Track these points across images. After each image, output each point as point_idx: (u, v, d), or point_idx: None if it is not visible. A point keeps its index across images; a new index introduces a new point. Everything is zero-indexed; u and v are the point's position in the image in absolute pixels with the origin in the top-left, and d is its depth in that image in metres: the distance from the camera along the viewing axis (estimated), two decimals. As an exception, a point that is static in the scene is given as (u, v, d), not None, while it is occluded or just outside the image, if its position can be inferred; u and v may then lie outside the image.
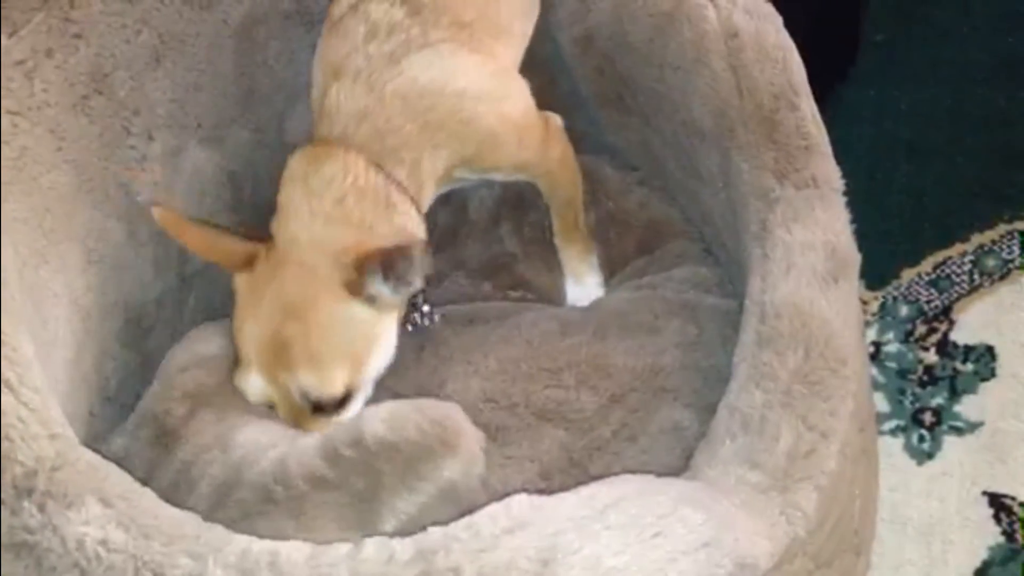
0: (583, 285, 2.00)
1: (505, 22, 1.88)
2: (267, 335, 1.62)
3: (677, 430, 1.72)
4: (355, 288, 1.61)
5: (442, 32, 1.77)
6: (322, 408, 1.62)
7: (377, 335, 1.66)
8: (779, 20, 1.82)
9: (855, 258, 1.66)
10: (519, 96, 1.87)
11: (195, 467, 1.56)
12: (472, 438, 1.46)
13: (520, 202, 2.07)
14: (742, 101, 1.76)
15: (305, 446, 1.47)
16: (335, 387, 1.61)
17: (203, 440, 1.59)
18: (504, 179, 2.00)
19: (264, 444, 1.53)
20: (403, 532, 1.38)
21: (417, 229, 1.76)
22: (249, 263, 1.68)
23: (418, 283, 1.64)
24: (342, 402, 1.63)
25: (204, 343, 1.74)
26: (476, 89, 1.80)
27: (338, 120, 1.73)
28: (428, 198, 1.81)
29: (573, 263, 2.00)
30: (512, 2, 1.92)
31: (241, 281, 1.69)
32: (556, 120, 1.98)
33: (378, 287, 1.62)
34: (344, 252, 1.62)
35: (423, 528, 1.35)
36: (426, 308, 1.90)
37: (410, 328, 1.85)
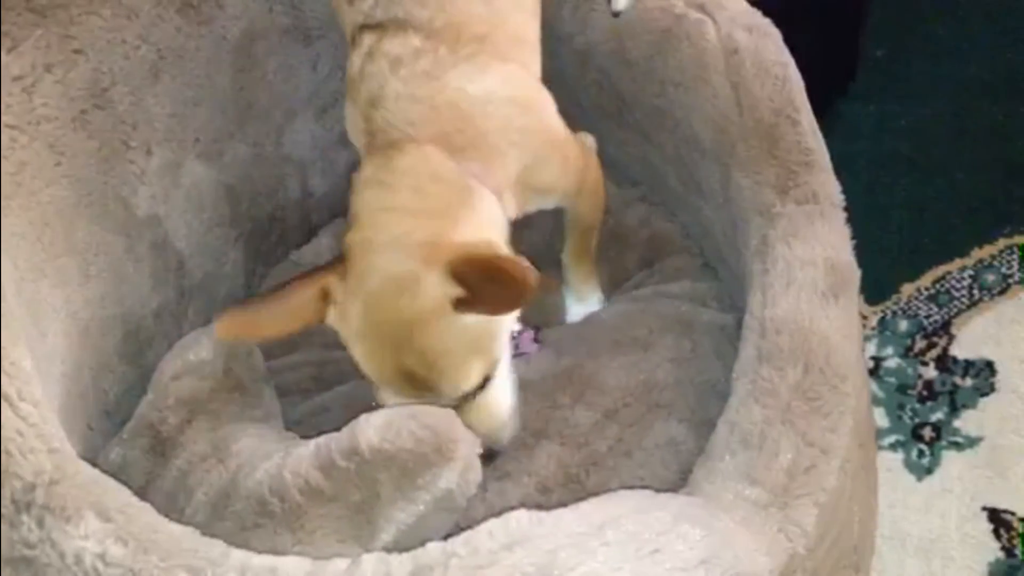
0: (585, 303, 1.99)
1: (520, 30, 1.81)
2: (389, 366, 1.54)
3: (672, 445, 1.72)
4: (462, 307, 1.51)
5: (468, 47, 1.70)
6: (463, 399, 1.57)
7: (498, 328, 1.59)
8: (778, 36, 1.82)
9: (855, 274, 1.66)
10: (553, 107, 1.81)
11: (192, 476, 1.56)
12: (468, 444, 1.44)
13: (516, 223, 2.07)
14: (742, 117, 1.76)
15: (300, 456, 1.46)
16: (471, 382, 1.56)
17: (199, 448, 1.60)
18: (551, 206, 1.89)
19: (260, 453, 1.53)
20: (401, 542, 1.39)
21: (498, 215, 1.68)
22: (325, 299, 1.57)
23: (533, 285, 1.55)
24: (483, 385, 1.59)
25: (195, 350, 1.73)
26: (522, 97, 1.75)
27: (392, 132, 1.65)
28: (511, 208, 1.73)
29: (578, 282, 1.98)
30: (516, 10, 1.83)
31: (334, 317, 1.58)
32: (589, 140, 1.95)
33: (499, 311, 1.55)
34: (431, 249, 1.53)
35: (421, 537, 1.36)
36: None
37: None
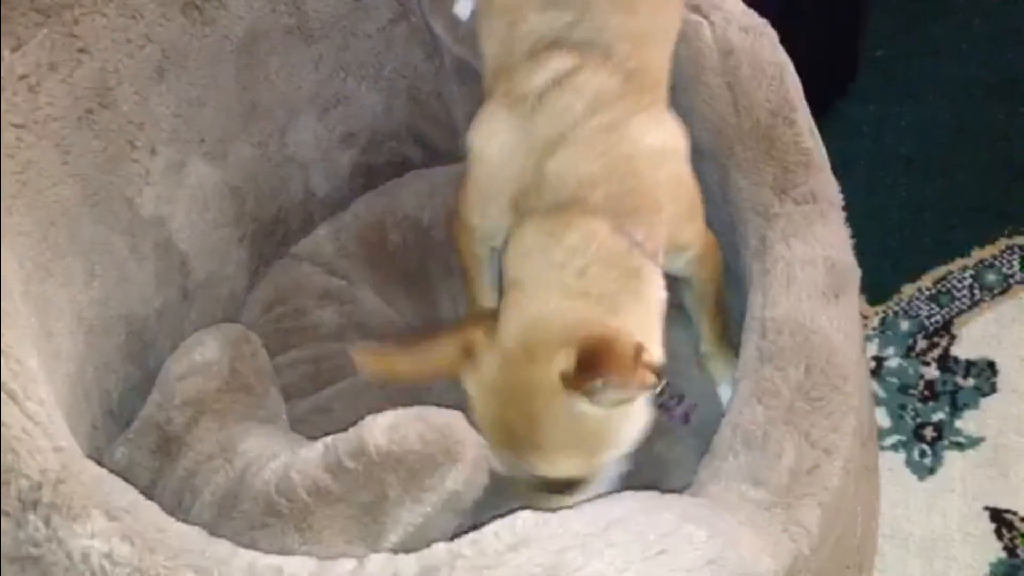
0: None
1: (668, 80, 1.78)
2: (498, 417, 1.51)
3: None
4: (575, 387, 1.45)
5: (650, 94, 1.68)
6: (553, 488, 1.51)
7: (608, 429, 1.51)
8: (774, 36, 1.83)
9: (855, 273, 1.66)
10: None
11: (198, 476, 1.57)
12: (475, 446, 1.45)
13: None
14: (739, 118, 1.76)
15: (307, 456, 1.46)
16: (556, 472, 1.50)
17: (206, 448, 1.60)
18: (678, 270, 1.79)
19: (267, 453, 1.53)
20: (407, 543, 1.40)
21: (662, 294, 1.61)
22: (467, 354, 1.55)
23: (646, 389, 1.48)
24: (574, 484, 1.52)
25: (201, 350, 1.73)
26: (681, 149, 1.71)
27: (563, 188, 1.59)
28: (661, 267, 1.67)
29: (724, 370, 1.83)
30: (671, 58, 1.80)
31: (468, 376, 1.55)
32: None
33: (600, 392, 1.45)
34: (572, 331, 1.48)
35: (427, 538, 1.36)
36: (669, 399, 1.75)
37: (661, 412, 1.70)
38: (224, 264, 2.01)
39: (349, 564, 1.26)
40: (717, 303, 1.82)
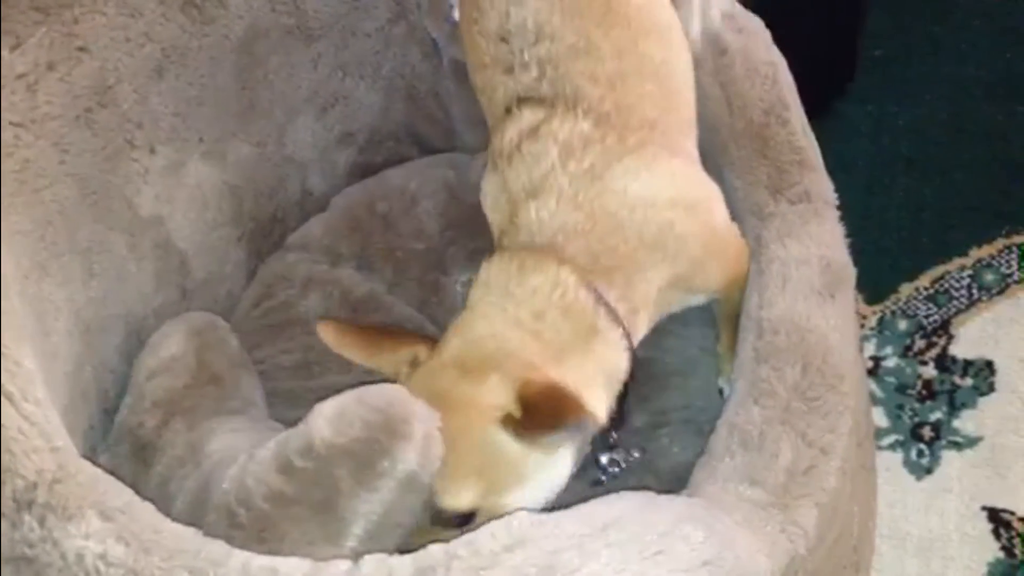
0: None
1: (685, 114, 1.75)
2: None
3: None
4: (510, 425, 1.45)
5: (636, 134, 1.64)
6: (441, 519, 1.45)
7: (523, 473, 1.48)
8: (768, 36, 1.83)
9: (850, 272, 1.67)
10: (720, 202, 1.73)
11: (172, 482, 1.55)
12: (423, 419, 1.38)
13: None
14: (732, 118, 1.77)
15: (262, 459, 1.42)
16: (457, 501, 1.45)
17: (176, 452, 1.59)
18: (698, 303, 1.79)
19: (228, 457, 1.50)
20: (374, 532, 1.37)
21: (619, 360, 1.59)
22: (412, 366, 1.58)
23: (581, 439, 1.52)
24: (465, 520, 1.46)
25: (167, 344, 1.73)
26: (687, 198, 1.67)
27: (541, 233, 1.61)
28: (643, 327, 1.66)
29: (728, 368, 1.75)
30: (686, 89, 1.77)
31: (407, 382, 1.55)
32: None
33: (538, 436, 1.46)
34: (512, 362, 1.50)
35: (394, 523, 1.36)
36: (604, 459, 1.72)
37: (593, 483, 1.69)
38: (223, 264, 2.00)
39: (344, 565, 1.26)
40: (737, 311, 1.77)
